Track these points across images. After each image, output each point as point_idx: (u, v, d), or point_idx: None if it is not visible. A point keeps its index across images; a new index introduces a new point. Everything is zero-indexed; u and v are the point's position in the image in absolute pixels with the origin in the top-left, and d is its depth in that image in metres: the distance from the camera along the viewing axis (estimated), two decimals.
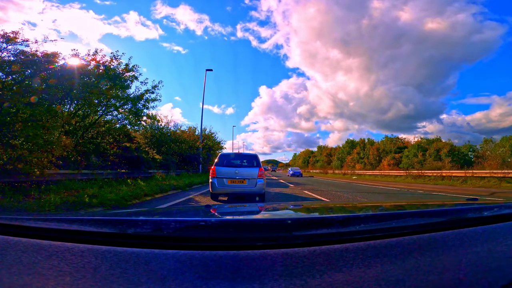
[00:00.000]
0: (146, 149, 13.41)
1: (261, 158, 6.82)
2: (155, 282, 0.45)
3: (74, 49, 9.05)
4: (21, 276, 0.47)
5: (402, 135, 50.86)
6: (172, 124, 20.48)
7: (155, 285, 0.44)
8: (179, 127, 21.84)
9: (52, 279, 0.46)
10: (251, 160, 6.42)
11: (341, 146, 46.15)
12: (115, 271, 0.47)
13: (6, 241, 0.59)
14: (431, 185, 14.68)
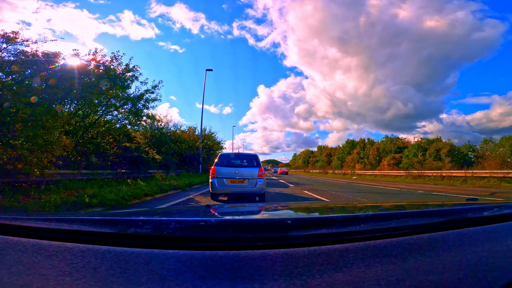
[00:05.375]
0: (146, 149, 13.41)
1: (261, 158, 6.81)
2: (155, 282, 0.45)
3: (75, 49, 9.07)
4: (21, 276, 0.47)
5: (402, 135, 50.98)
6: (171, 124, 20.53)
7: (155, 285, 0.44)
8: (179, 127, 21.89)
9: (52, 279, 0.46)
10: (251, 160, 6.42)
11: (341, 146, 46.25)
12: (115, 271, 0.47)
13: (6, 241, 0.59)
14: (431, 185, 14.68)
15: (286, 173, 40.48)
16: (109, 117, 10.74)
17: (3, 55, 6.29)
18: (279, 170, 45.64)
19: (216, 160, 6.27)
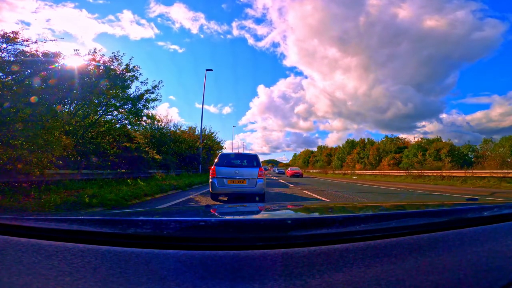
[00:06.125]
0: (146, 149, 13.42)
1: (261, 158, 6.80)
2: (155, 282, 0.45)
3: (76, 49, 9.07)
4: (21, 276, 0.47)
5: (402, 135, 50.98)
6: (171, 124, 20.55)
7: (155, 285, 0.44)
8: (179, 127, 21.92)
9: (52, 279, 0.46)
10: (251, 160, 6.42)
11: (341, 146, 46.23)
12: (115, 271, 0.47)
13: (6, 241, 0.59)
14: (431, 185, 14.67)
15: (301, 175, 26.43)
16: (109, 117, 10.76)
17: (3, 55, 6.30)
18: (289, 170, 29.39)
19: (216, 160, 6.27)
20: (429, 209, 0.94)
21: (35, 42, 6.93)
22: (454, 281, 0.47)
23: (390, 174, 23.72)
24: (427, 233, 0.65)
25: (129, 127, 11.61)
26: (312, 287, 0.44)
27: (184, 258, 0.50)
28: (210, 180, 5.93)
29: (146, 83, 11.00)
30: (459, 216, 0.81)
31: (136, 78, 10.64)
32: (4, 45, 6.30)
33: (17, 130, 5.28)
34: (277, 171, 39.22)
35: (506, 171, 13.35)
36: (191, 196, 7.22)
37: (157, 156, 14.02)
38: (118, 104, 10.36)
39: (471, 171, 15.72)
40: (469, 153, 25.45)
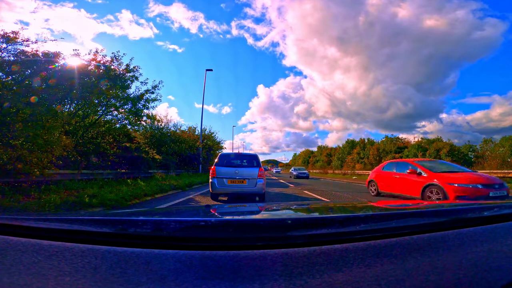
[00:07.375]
0: (146, 149, 13.40)
1: (261, 158, 6.80)
2: (155, 282, 0.45)
3: (75, 49, 9.07)
4: (21, 276, 0.47)
5: (402, 135, 51.00)
6: (171, 124, 20.56)
7: (155, 285, 0.44)
8: (179, 127, 21.91)
9: (52, 279, 0.46)
10: (251, 160, 6.43)
11: (341, 146, 46.22)
12: (115, 271, 0.47)
13: (6, 241, 0.59)
14: None
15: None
16: (109, 117, 10.75)
17: (3, 55, 6.30)
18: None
19: (216, 160, 6.27)
20: (429, 209, 0.94)
21: (35, 42, 6.93)
22: (454, 281, 0.47)
23: None
24: (427, 233, 0.65)
25: (129, 127, 11.60)
26: (312, 287, 0.44)
27: (184, 258, 0.50)
28: (210, 180, 5.94)
29: (146, 83, 10.99)
30: (459, 216, 0.81)
31: (136, 78, 10.63)
32: (4, 45, 6.30)
33: (17, 130, 5.28)
34: (295, 173, 23.36)
35: (506, 171, 13.36)
36: (191, 196, 7.22)
37: (157, 156, 14.01)
38: (118, 104, 10.35)
39: None
40: (469, 153, 25.49)
